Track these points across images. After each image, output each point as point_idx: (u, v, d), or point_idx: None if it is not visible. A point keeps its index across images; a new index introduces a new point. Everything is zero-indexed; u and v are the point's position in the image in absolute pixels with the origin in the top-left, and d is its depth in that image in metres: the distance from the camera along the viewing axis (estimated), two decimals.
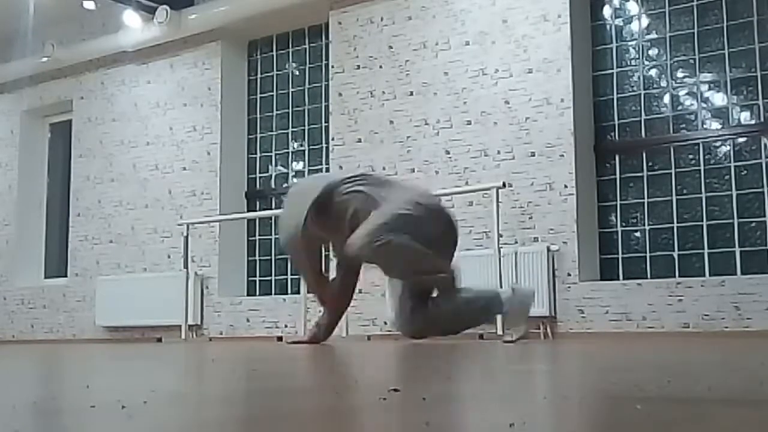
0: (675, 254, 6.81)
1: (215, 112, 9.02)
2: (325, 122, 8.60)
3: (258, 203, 9.20)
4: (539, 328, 6.68)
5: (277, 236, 8.98)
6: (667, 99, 7.02)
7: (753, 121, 6.67)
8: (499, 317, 5.06)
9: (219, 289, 8.77)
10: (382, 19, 7.96)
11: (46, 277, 10.52)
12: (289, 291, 8.65)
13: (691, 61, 6.93)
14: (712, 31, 6.84)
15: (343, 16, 8.22)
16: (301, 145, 8.98)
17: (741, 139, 6.69)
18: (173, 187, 9.20)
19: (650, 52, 7.14)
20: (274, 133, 9.17)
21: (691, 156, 6.84)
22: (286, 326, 8.18)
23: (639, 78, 7.13)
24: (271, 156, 9.18)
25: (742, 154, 6.66)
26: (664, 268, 6.82)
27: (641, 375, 1.99)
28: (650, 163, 6.99)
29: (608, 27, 7.29)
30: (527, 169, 7.00)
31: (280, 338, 8.10)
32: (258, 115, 9.30)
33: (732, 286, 6.19)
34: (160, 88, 9.46)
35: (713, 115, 6.86)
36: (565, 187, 6.85)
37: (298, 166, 9.00)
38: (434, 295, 4.48)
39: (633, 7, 7.24)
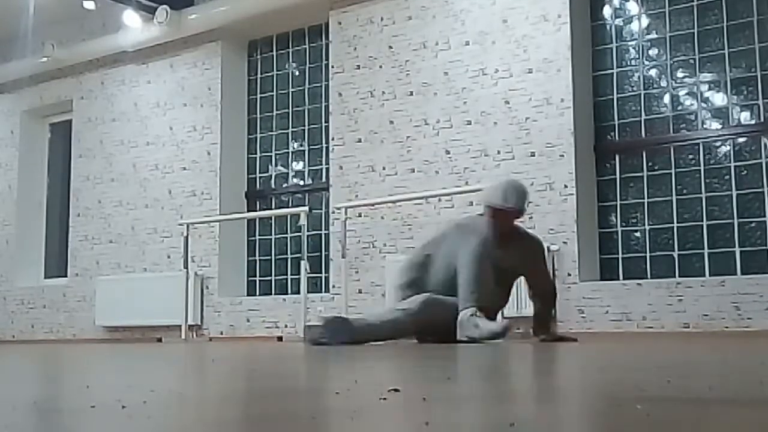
0: (675, 254, 6.80)
1: (215, 112, 9.02)
2: (325, 122, 8.60)
3: (258, 203, 9.20)
4: None
5: (276, 236, 8.99)
6: (667, 99, 7.02)
7: (753, 121, 6.67)
8: None
9: (219, 289, 8.77)
10: (382, 19, 7.96)
11: (46, 277, 10.52)
12: (289, 291, 8.65)
13: (691, 61, 6.92)
14: (712, 31, 6.84)
15: (343, 16, 8.22)
16: (301, 145, 8.98)
17: (741, 139, 6.69)
18: (173, 187, 9.20)
19: (650, 52, 7.13)
20: (274, 133, 9.17)
21: (691, 156, 6.84)
22: (286, 326, 8.18)
23: (639, 78, 7.13)
24: (271, 156, 9.18)
25: (742, 154, 6.66)
26: (664, 268, 6.82)
27: (641, 375, 1.99)
28: (650, 163, 6.99)
29: (608, 27, 7.29)
30: (527, 169, 7.00)
31: (280, 338, 8.11)
32: (258, 115, 9.30)
33: (732, 286, 6.18)
34: (160, 88, 9.46)
35: (713, 115, 6.86)
36: (565, 187, 6.85)
37: (298, 166, 9.00)
38: None
39: (633, 7, 7.24)
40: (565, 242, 6.79)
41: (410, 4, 7.80)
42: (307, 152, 8.92)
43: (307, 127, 8.93)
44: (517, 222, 4.98)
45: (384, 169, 7.75)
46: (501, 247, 4.81)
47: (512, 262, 4.89)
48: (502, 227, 4.84)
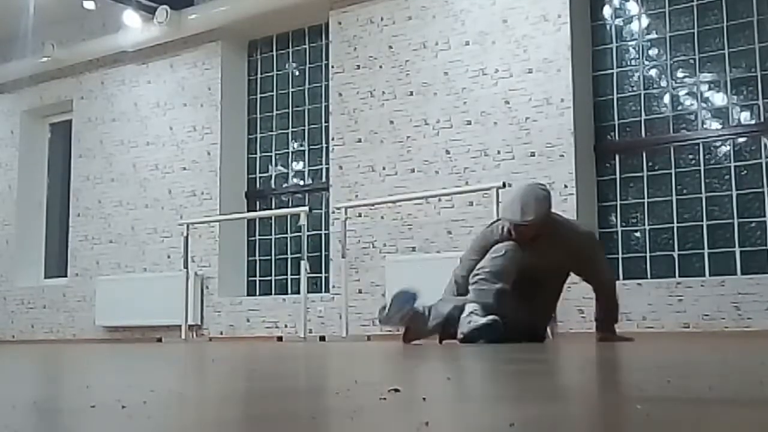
0: (675, 254, 6.80)
1: (215, 112, 9.02)
2: (325, 122, 8.60)
3: (258, 203, 9.20)
4: None
5: (276, 236, 8.99)
6: (667, 99, 7.03)
7: (753, 121, 6.67)
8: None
9: (219, 289, 8.77)
10: (382, 19, 7.96)
11: (46, 277, 10.52)
12: (289, 291, 8.65)
13: (691, 61, 6.93)
14: (712, 31, 6.85)
15: (343, 16, 8.22)
16: (301, 145, 8.98)
17: (741, 139, 6.69)
18: (173, 187, 9.21)
19: (650, 52, 7.14)
20: (274, 133, 9.17)
21: (691, 156, 6.84)
22: (286, 326, 8.18)
23: (639, 78, 7.13)
24: (271, 156, 9.18)
25: (742, 154, 6.66)
26: (664, 268, 6.82)
27: (641, 375, 1.99)
28: (650, 163, 6.99)
29: (608, 27, 7.30)
30: (527, 169, 7.00)
31: (280, 338, 8.10)
32: (258, 115, 9.30)
33: (732, 286, 6.18)
34: (160, 88, 9.46)
35: (713, 115, 6.86)
36: (565, 187, 6.85)
37: (298, 166, 9.00)
38: None
39: (633, 7, 7.24)
40: None
41: (410, 4, 7.80)
42: (307, 152, 8.93)
43: (307, 127, 8.93)
44: (553, 216, 4.68)
45: (384, 169, 7.75)
46: (531, 248, 4.60)
47: (548, 260, 4.59)
48: (529, 236, 4.62)
